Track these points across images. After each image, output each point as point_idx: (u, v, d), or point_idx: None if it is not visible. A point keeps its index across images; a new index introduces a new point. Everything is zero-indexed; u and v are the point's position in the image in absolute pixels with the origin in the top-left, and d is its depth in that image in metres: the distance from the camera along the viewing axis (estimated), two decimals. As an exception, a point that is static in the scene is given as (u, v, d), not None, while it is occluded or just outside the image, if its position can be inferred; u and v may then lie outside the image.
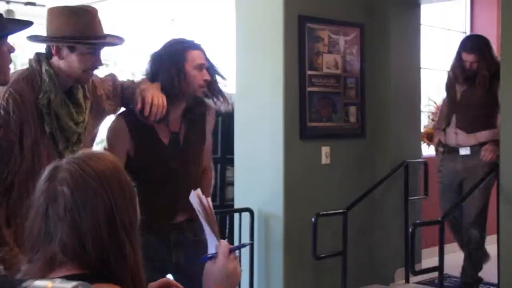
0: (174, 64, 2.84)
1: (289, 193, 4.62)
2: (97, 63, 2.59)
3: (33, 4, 7.99)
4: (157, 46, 2.97)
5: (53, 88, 2.47)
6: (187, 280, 2.88)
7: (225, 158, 5.38)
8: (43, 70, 2.48)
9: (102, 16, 2.63)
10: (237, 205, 4.86)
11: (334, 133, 4.93)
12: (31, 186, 1.58)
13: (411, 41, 5.42)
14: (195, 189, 2.98)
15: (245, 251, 4.70)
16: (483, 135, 4.86)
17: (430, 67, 6.97)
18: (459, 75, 4.90)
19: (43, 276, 1.40)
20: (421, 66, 5.61)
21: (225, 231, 4.80)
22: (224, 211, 5.01)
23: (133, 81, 2.94)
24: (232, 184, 5.11)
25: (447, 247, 4.52)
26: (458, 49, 4.93)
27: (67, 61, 2.50)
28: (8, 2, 7.86)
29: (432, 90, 6.88)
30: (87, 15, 2.52)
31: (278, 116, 4.61)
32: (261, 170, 4.71)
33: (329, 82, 4.89)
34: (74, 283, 0.91)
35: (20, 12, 8.00)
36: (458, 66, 4.91)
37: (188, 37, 3.07)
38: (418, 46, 5.48)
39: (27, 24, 2.22)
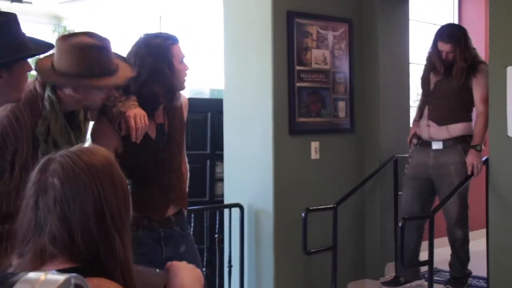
0: (165, 61, 2.85)
1: (278, 188, 4.62)
2: (104, 99, 2.60)
3: (19, 1, 7.93)
4: (129, 46, 2.94)
5: (53, 116, 2.41)
6: None
7: (215, 154, 5.38)
8: (46, 96, 2.42)
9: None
10: (227, 200, 4.86)
11: (324, 128, 4.94)
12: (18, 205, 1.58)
13: (399, 36, 5.43)
14: (182, 177, 3.02)
15: (235, 247, 4.70)
16: (456, 128, 4.68)
17: (418, 62, 6.99)
18: (436, 64, 4.70)
19: (34, 270, 1.39)
20: (410, 61, 5.62)
21: (215, 227, 4.80)
22: (214, 207, 5.01)
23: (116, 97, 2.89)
24: (221, 179, 5.11)
25: (437, 241, 4.53)
26: (434, 38, 4.72)
27: (71, 95, 2.47)
28: (-6, -1, 7.80)
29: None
30: (93, 51, 2.43)
31: (267, 111, 4.61)
32: (251, 166, 4.71)
33: (318, 78, 4.89)
34: (67, 275, 0.91)
35: (6, 9, 7.93)
36: (434, 55, 4.71)
37: (165, 31, 3.10)
38: (407, 41, 5.50)
39: (48, 47, 2.26)
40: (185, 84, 2.98)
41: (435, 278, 4.80)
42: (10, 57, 2.08)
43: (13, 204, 2.31)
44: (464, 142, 4.65)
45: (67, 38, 2.45)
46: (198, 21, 7.60)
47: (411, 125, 5.75)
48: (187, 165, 3.20)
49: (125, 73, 2.54)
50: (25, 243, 1.48)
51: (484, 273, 4.66)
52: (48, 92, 2.42)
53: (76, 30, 9.19)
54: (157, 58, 2.84)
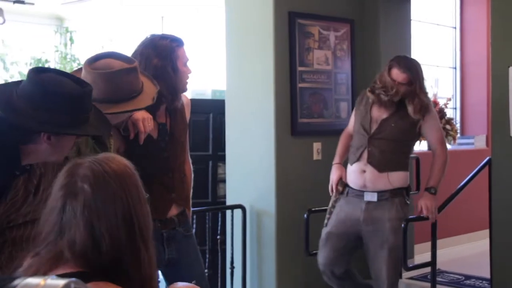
0: (170, 63, 2.88)
1: (281, 189, 4.62)
2: (127, 116, 2.63)
3: (21, 2, 7.94)
4: (131, 47, 2.97)
5: (84, 139, 2.42)
6: (179, 274, 2.90)
7: (217, 155, 5.37)
8: None
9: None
10: (229, 202, 4.85)
11: (326, 129, 4.93)
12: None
13: (401, 36, 5.42)
14: (184, 177, 3.02)
15: (238, 248, 4.70)
16: (397, 177, 3.98)
17: (421, 63, 6.98)
18: (386, 97, 3.94)
19: (47, 271, 1.40)
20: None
21: (217, 228, 4.79)
22: (216, 208, 5.00)
23: None
24: (223, 181, 5.11)
25: (440, 242, 4.53)
26: (388, 65, 4.01)
27: None
28: (-4, -1, 7.81)
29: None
30: (120, 76, 2.42)
31: (269, 112, 4.61)
32: (253, 167, 4.70)
33: (320, 78, 4.88)
34: (67, 280, 0.91)
35: (9, 10, 7.95)
36: (388, 84, 3.94)
37: (170, 33, 3.11)
38: (409, 41, 5.49)
39: (107, 131, 2.28)
40: (187, 86, 3.00)
41: (438, 279, 4.80)
42: (64, 131, 2.07)
43: (23, 216, 2.33)
44: (401, 195, 3.99)
45: (93, 62, 2.43)
46: (200, 22, 7.60)
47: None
48: (191, 166, 3.20)
49: (151, 90, 2.53)
50: (46, 243, 1.48)
51: (487, 274, 4.65)
52: None
53: (78, 31, 9.14)
54: (163, 59, 2.87)
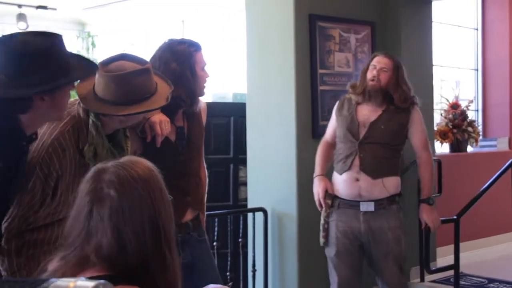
0: (188, 68, 2.89)
1: (302, 192, 4.61)
2: (143, 119, 2.66)
3: (44, 7, 8.02)
4: (151, 50, 2.99)
5: (100, 141, 2.41)
6: (193, 279, 2.91)
7: (238, 158, 5.38)
8: (90, 122, 2.41)
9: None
10: (251, 205, 4.85)
11: (347, 131, 4.91)
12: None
13: (422, 38, 5.39)
14: (200, 181, 3.03)
15: (259, 251, 4.70)
16: (392, 183, 3.80)
17: (442, 64, 6.95)
18: (371, 90, 3.74)
19: (74, 275, 1.41)
20: (433, 63, 5.58)
21: (239, 231, 4.80)
22: (238, 211, 5.01)
23: None
24: (245, 184, 5.12)
25: (462, 245, 4.49)
26: (367, 62, 3.90)
27: (115, 120, 2.47)
28: (20, 6, 7.91)
29: (444, 88, 6.86)
30: (133, 78, 2.41)
31: (290, 115, 4.61)
32: (274, 170, 4.70)
33: (341, 81, 4.87)
34: (96, 282, 0.92)
35: (32, 16, 8.04)
36: (370, 74, 3.77)
37: (191, 37, 3.13)
38: (430, 43, 5.46)
39: (92, 69, 2.26)
40: (205, 90, 3.01)
41: (461, 282, 4.76)
42: (53, 85, 2.08)
43: (43, 218, 2.35)
44: (396, 202, 3.82)
45: (106, 65, 2.44)
46: (221, 25, 7.62)
47: (435, 128, 5.55)
48: (206, 171, 3.21)
49: (164, 90, 2.53)
50: (72, 248, 1.49)
51: (511, 278, 4.61)
52: (92, 118, 2.41)
53: (100, 36, 9.26)
54: (181, 63, 2.88)
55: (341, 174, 3.78)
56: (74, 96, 2.47)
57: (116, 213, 1.46)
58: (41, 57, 2.05)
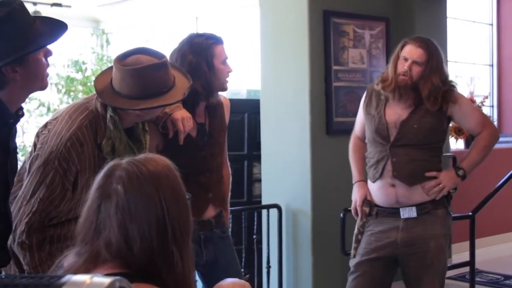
0: (204, 60, 2.88)
1: (316, 188, 4.61)
2: (163, 113, 2.66)
3: (59, 5, 8.07)
4: (175, 43, 2.99)
5: (117, 135, 2.41)
6: (216, 275, 2.91)
7: (252, 154, 5.38)
8: (108, 116, 2.41)
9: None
10: (265, 201, 4.86)
11: (361, 128, 4.90)
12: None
13: (437, 34, 5.35)
14: (222, 178, 3.02)
15: (274, 248, 4.70)
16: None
17: (457, 60, 6.91)
18: (400, 87, 3.28)
19: (86, 271, 1.42)
20: (448, 59, 5.55)
21: (253, 227, 4.81)
22: (252, 208, 5.01)
23: None
24: (259, 180, 5.12)
25: (478, 241, 4.47)
26: (397, 48, 3.41)
27: (133, 114, 2.46)
28: (34, 4, 7.96)
29: (459, 83, 6.83)
30: (151, 72, 2.39)
31: (305, 111, 4.60)
32: (288, 166, 4.70)
33: (355, 77, 4.87)
34: (112, 278, 0.92)
35: (46, 13, 8.08)
36: (402, 74, 3.29)
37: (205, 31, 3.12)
38: (445, 39, 5.43)
39: (60, 30, 2.12)
40: (227, 85, 2.98)
41: (477, 279, 4.75)
42: (18, 53, 2.00)
43: (66, 214, 2.36)
44: (443, 206, 3.36)
45: (123, 59, 2.42)
46: (235, 21, 7.62)
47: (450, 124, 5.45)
48: (229, 168, 3.20)
49: (182, 84, 2.51)
50: (84, 244, 1.50)
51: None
52: (110, 112, 2.41)
53: (114, 33, 9.27)
54: (197, 55, 2.88)
55: (374, 182, 3.38)
56: (86, 91, 2.47)
57: (122, 209, 1.45)
58: (2, 26, 1.96)
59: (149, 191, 1.47)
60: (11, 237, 2.29)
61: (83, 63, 8.45)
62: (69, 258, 1.53)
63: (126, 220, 1.45)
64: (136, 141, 2.54)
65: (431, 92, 3.23)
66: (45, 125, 2.45)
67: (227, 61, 2.96)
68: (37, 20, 2.11)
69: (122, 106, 2.39)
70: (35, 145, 2.43)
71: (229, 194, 3.20)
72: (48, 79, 2.20)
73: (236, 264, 3.13)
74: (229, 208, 3.26)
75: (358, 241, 3.43)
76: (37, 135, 2.45)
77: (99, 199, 1.49)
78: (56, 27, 2.14)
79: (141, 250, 1.44)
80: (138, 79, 2.36)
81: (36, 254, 2.28)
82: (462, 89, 6.88)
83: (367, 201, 3.43)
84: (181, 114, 2.78)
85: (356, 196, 3.49)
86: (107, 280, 0.90)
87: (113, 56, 9.25)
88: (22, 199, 2.33)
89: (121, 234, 1.45)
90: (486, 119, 3.47)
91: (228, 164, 3.19)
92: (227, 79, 2.95)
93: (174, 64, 2.62)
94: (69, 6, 8.22)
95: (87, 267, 1.45)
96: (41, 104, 8.06)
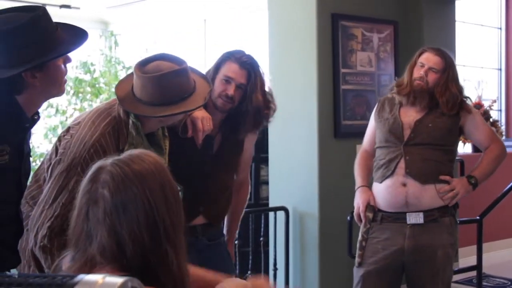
0: (214, 72, 2.89)
1: (324, 191, 4.61)
2: (184, 118, 2.65)
3: (67, 6, 8.09)
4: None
5: (140, 141, 2.41)
6: None
7: (260, 157, 5.38)
8: (130, 122, 2.41)
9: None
10: (272, 204, 4.86)
11: (369, 131, 4.90)
12: None
13: (446, 38, 5.36)
14: (222, 197, 2.98)
15: (281, 250, 4.71)
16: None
17: (465, 64, 6.90)
18: (416, 90, 3.31)
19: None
20: (456, 63, 5.54)
21: (260, 230, 4.81)
22: (259, 210, 5.01)
23: None
24: (266, 183, 5.12)
25: (485, 246, 4.47)
26: (418, 53, 3.46)
27: (155, 120, 2.46)
28: (43, 6, 7.97)
29: (467, 87, 6.82)
30: (172, 78, 2.38)
31: (312, 114, 4.60)
32: (296, 169, 4.70)
33: (363, 80, 4.87)
34: (124, 278, 0.93)
35: (55, 15, 8.10)
36: (418, 79, 3.34)
37: (240, 48, 3.07)
38: (453, 43, 5.42)
39: (82, 38, 2.13)
40: (221, 104, 2.88)
41: (484, 283, 4.74)
42: (40, 60, 2.01)
43: None
44: (451, 214, 3.30)
45: (143, 66, 2.41)
46: (242, 24, 7.63)
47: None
48: (249, 187, 3.18)
49: (203, 89, 2.50)
50: (77, 250, 1.48)
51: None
52: (132, 118, 2.41)
53: (123, 35, 9.27)
54: (214, 66, 2.92)
55: (382, 181, 3.31)
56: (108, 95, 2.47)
57: (110, 214, 1.43)
58: (22, 34, 1.97)
59: (136, 191, 1.44)
60: (31, 240, 2.29)
61: (92, 64, 8.47)
62: (66, 260, 1.52)
63: (115, 224, 1.42)
64: (156, 146, 2.54)
65: (449, 99, 3.28)
66: (67, 130, 2.45)
67: (231, 83, 2.87)
68: (59, 27, 2.12)
69: (144, 113, 2.39)
70: (56, 148, 2.43)
71: (241, 215, 3.18)
72: (65, 85, 2.22)
73: (228, 271, 3.06)
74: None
75: (362, 248, 3.37)
76: (59, 139, 2.45)
77: (86, 205, 1.46)
78: (78, 35, 2.16)
79: (134, 253, 1.42)
80: (158, 86, 2.36)
81: (56, 258, 2.29)
82: (470, 93, 6.87)
83: (370, 207, 3.37)
84: (201, 114, 2.75)
85: (359, 201, 3.43)
86: (119, 280, 0.90)
87: (121, 58, 9.33)
88: (44, 203, 2.32)
89: (112, 239, 1.43)
90: (496, 135, 3.52)
91: (249, 181, 3.17)
92: (220, 96, 2.87)
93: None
94: (78, 8, 8.25)
95: (84, 272, 1.45)
96: (50, 105, 8.08)
